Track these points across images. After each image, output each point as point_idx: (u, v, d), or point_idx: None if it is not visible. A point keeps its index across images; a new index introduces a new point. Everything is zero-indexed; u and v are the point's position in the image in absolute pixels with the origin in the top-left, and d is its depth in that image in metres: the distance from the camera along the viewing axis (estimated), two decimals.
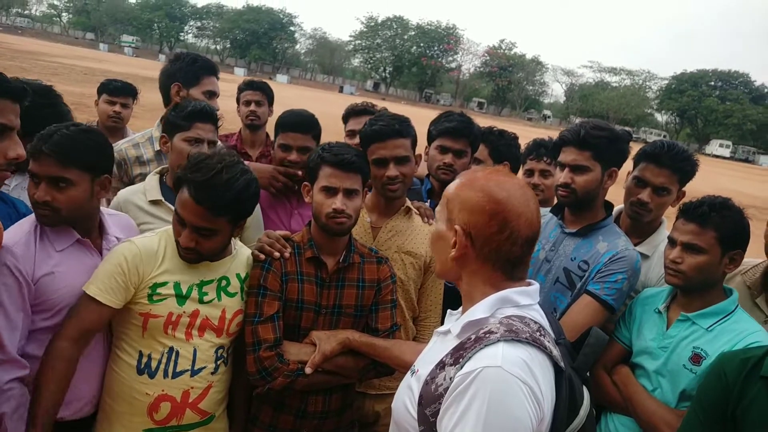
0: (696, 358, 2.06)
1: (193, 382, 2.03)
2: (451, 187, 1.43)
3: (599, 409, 2.34)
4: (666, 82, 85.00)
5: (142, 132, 3.09)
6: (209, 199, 1.88)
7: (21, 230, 1.92)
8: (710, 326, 2.09)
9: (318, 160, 2.14)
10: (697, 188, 2.50)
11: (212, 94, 3.08)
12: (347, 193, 2.11)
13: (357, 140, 3.24)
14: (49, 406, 1.89)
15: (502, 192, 1.34)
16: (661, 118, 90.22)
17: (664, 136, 68.46)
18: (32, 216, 1.96)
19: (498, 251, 1.34)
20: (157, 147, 2.96)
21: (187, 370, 2.01)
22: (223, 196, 1.88)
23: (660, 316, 2.24)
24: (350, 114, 3.51)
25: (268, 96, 3.86)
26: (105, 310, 1.94)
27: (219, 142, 2.67)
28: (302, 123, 2.80)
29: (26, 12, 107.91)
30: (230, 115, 3.76)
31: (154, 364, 1.99)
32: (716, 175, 32.44)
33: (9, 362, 1.79)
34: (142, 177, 2.72)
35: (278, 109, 3.14)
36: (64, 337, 1.92)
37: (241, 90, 3.88)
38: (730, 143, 69.83)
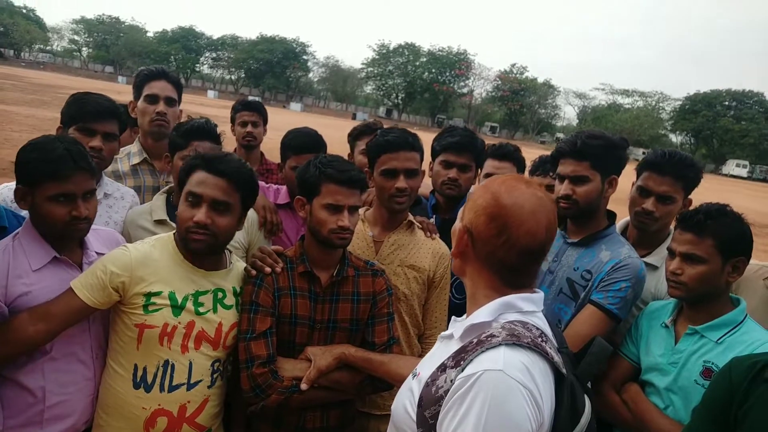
0: (707, 373, 1.99)
1: (189, 396, 2.00)
2: (475, 188, 1.46)
3: (610, 428, 2.26)
4: (679, 102, 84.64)
5: (121, 148, 3.09)
6: (227, 171, 1.97)
7: None
8: (720, 338, 2.02)
9: (320, 176, 2.10)
10: None
11: (152, 99, 3.02)
12: (351, 210, 2.10)
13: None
14: None
15: (509, 198, 1.34)
16: (675, 138, 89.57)
17: None
18: (11, 235, 1.94)
19: (494, 255, 1.35)
20: (133, 161, 3.00)
21: (183, 384, 1.99)
22: (238, 169, 2.00)
23: (667, 330, 2.17)
24: (360, 134, 3.51)
25: (263, 116, 3.89)
26: (76, 303, 1.90)
27: None
28: (311, 144, 2.86)
29: (48, 48, 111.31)
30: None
31: (149, 378, 1.97)
32: (734, 195, 31.99)
33: None
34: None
35: None
36: (35, 317, 1.86)
37: (236, 110, 3.87)
38: (747, 163, 69.03)
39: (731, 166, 68.39)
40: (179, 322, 1.98)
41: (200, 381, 2.02)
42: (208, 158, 2.00)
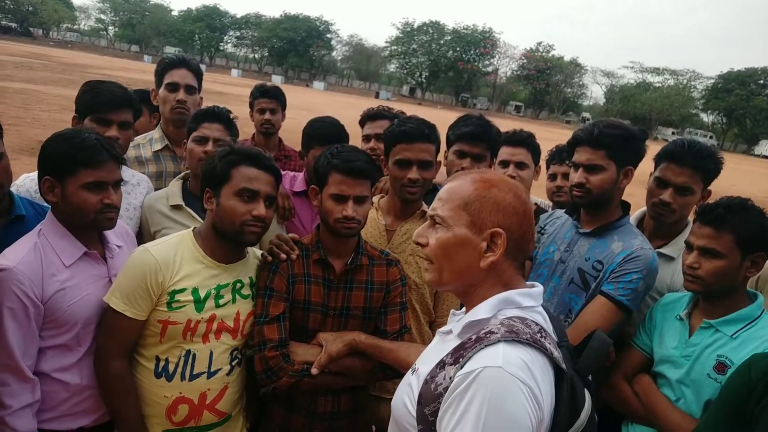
0: (721, 367, 1.97)
1: (210, 383, 2.05)
2: (467, 189, 1.38)
3: (620, 419, 2.27)
4: (712, 81, 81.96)
5: (144, 134, 3.17)
6: (272, 168, 2.08)
7: (25, 247, 1.90)
8: (735, 333, 2.00)
9: (327, 166, 2.12)
10: (744, 190, 2.38)
11: (173, 87, 3.10)
12: (357, 200, 2.11)
13: (371, 144, 3.25)
14: (135, 420, 2.01)
15: (522, 192, 1.40)
16: (707, 118, 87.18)
17: (711, 137, 66.14)
18: (34, 231, 1.97)
19: (525, 250, 1.39)
20: (155, 148, 3.06)
21: (203, 372, 2.04)
22: (275, 164, 2.11)
23: (682, 322, 2.15)
24: (366, 118, 3.46)
25: (282, 103, 3.89)
26: (136, 324, 1.98)
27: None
28: (334, 135, 2.85)
29: (75, 27, 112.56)
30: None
31: (171, 368, 2.02)
32: (764, 177, 31.17)
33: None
34: None
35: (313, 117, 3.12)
36: (115, 357, 1.98)
37: (255, 97, 3.88)
38: None
39: (764, 147, 66.45)
40: (202, 318, 2.01)
41: (220, 369, 2.06)
42: (253, 154, 2.04)
